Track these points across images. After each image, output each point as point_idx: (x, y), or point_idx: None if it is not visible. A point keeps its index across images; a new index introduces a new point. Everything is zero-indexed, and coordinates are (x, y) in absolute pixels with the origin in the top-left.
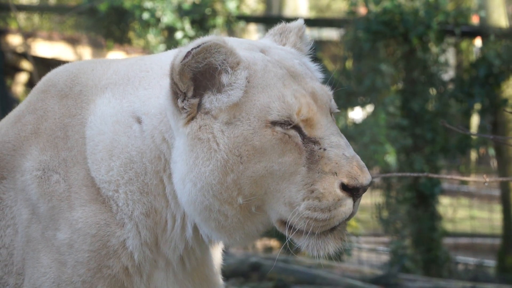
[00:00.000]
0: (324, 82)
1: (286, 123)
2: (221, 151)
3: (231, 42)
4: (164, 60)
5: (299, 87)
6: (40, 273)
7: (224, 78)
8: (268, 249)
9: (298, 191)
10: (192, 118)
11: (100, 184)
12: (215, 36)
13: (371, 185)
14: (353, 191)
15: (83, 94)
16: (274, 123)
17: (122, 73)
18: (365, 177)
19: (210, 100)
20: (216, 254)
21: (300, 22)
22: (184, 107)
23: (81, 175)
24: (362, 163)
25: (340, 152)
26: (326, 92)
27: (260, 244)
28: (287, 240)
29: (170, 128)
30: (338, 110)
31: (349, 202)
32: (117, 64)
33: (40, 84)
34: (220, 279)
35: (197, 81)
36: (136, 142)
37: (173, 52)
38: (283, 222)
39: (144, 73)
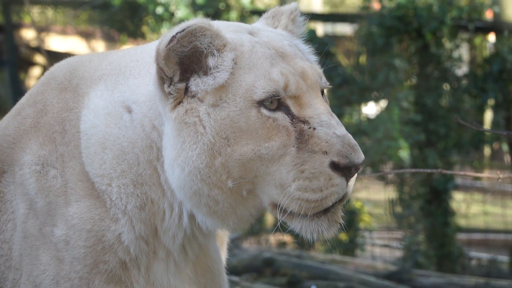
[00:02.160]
0: (338, 77)
1: (273, 100)
2: (207, 134)
3: (217, 24)
4: (153, 48)
5: (288, 66)
6: (39, 270)
7: (211, 61)
8: (282, 244)
9: (288, 172)
10: (179, 103)
11: (94, 178)
12: (200, 19)
13: (384, 180)
14: (345, 171)
15: (79, 87)
16: (260, 103)
17: (115, 63)
18: (357, 155)
19: (196, 83)
20: (222, 249)
21: (293, 5)
22: (171, 92)
23: (76, 170)
24: (354, 142)
25: (331, 131)
26: (316, 71)
27: (273, 239)
28: (278, 223)
29: (159, 115)
30: (329, 86)
31: (341, 182)
32: (112, 55)
33: (42, 77)
34: (223, 272)
35: (184, 65)
36: (127, 132)
37: None
38: (275, 205)
39: (134, 62)
